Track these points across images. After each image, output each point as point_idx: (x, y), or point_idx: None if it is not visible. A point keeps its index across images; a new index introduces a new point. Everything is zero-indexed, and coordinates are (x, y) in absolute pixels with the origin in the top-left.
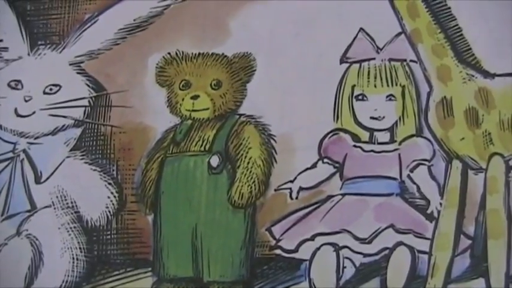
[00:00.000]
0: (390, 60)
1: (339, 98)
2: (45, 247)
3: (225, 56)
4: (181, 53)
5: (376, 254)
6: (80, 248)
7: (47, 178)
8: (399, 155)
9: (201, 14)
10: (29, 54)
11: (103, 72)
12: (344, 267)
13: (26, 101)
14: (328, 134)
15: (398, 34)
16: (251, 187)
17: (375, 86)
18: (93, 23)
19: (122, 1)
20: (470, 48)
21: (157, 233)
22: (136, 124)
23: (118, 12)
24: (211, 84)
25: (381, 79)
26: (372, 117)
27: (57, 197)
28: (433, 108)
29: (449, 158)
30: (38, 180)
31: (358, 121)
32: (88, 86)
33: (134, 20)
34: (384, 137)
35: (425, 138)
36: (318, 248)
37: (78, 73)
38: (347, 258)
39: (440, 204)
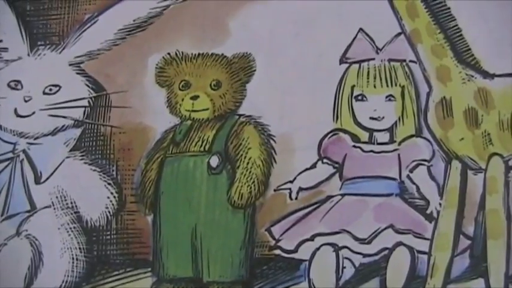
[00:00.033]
0: (390, 60)
1: (338, 99)
2: (45, 247)
3: (225, 56)
4: (181, 54)
5: (375, 254)
6: (79, 248)
7: (47, 178)
8: (399, 155)
9: (201, 14)
10: (28, 55)
11: (103, 73)
12: (343, 268)
13: (25, 101)
14: (327, 134)
15: (398, 34)
16: (251, 187)
17: (375, 87)
18: (93, 24)
19: (121, 1)
20: (469, 49)
21: (157, 233)
22: (136, 124)
23: (118, 12)
24: (210, 85)
25: (381, 79)
26: (371, 118)
27: (56, 197)
28: (432, 109)
29: (448, 158)
30: (37, 181)
31: (357, 121)
32: (88, 86)
33: (134, 20)
34: (384, 137)
35: (424, 138)
36: (318, 248)
37: (77, 73)
38: (346, 258)
39: (440, 204)
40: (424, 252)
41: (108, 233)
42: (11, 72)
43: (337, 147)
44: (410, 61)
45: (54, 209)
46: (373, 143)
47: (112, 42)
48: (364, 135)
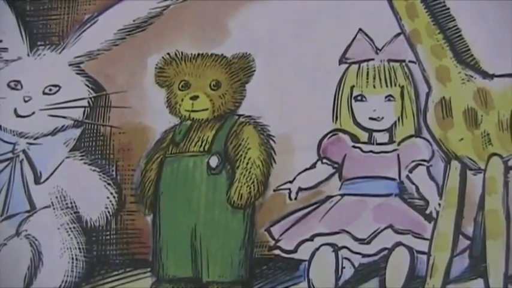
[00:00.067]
0: (389, 60)
1: (338, 99)
2: (45, 247)
3: (224, 56)
4: (180, 54)
5: (375, 255)
6: (79, 248)
7: (47, 178)
8: (398, 155)
9: (201, 15)
10: (28, 55)
11: (102, 73)
12: (343, 268)
13: (25, 101)
14: (327, 134)
15: (398, 35)
16: (250, 187)
17: (374, 87)
18: (93, 24)
19: (121, 2)
20: (469, 49)
21: (157, 233)
22: (135, 124)
23: (117, 12)
24: (210, 85)
25: (380, 80)
26: (370, 118)
27: (56, 197)
28: (432, 109)
29: (448, 159)
30: (37, 181)
31: (357, 122)
32: (87, 86)
33: (134, 20)
34: (383, 137)
35: (424, 138)
36: (317, 249)
37: (77, 73)
38: (346, 258)
39: (439, 204)
40: (423, 253)
41: (108, 233)
42: (10, 72)
43: (336, 148)
44: (410, 61)
45: (54, 209)
46: (373, 143)
47: (112, 42)
48: (363, 136)
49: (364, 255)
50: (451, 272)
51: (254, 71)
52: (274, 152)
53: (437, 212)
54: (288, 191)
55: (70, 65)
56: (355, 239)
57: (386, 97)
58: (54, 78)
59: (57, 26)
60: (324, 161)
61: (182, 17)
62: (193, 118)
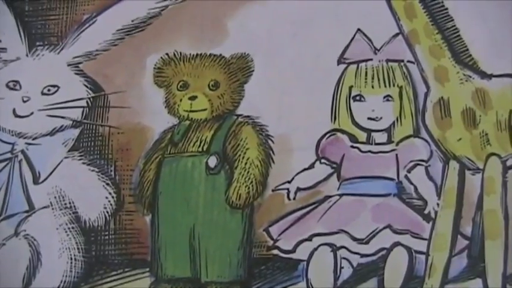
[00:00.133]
0: (387, 61)
1: (336, 99)
2: (43, 247)
3: (223, 56)
4: (179, 54)
5: (373, 255)
6: (78, 249)
7: (45, 179)
8: (396, 155)
9: (199, 15)
10: (27, 55)
11: (101, 73)
12: (341, 268)
13: (24, 101)
14: (325, 134)
15: (396, 35)
16: (249, 188)
17: (373, 87)
18: (92, 24)
19: (120, 2)
20: (467, 49)
21: (155, 233)
22: (134, 125)
23: (116, 13)
24: (209, 85)
25: (379, 80)
26: (369, 118)
27: (55, 197)
28: (430, 109)
29: (446, 159)
30: (36, 181)
31: (355, 122)
32: (86, 86)
33: (132, 20)
34: (381, 137)
35: (422, 138)
36: (316, 249)
37: (76, 74)
38: (344, 258)
39: (438, 204)
40: (422, 253)
41: (107, 233)
42: (9, 72)
43: (335, 148)
44: (408, 61)
45: (53, 209)
46: (371, 143)
47: (110, 42)
48: (362, 136)
49: (362, 255)
50: (449, 272)
51: (253, 71)
52: (273, 152)
53: (436, 212)
54: (286, 191)
55: (69, 65)
56: (354, 239)
57: (384, 97)
58: (53, 79)
59: (56, 26)
60: (323, 161)
61: (181, 17)
62: (191, 118)
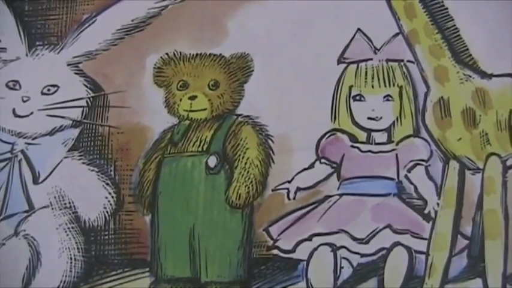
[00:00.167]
0: (387, 60)
1: (336, 99)
2: (43, 247)
3: (223, 56)
4: (179, 54)
5: (373, 254)
6: (77, 248)
7: (45, 178)
8: (396, 155)
9: (199, 15)
10: (27, 55)
11: (101, 73)
12: (341, 268)
13: (24, 101)
14: (325, 134)
15: (396, 35)
16: (249, 187)
17: (372, 87)
18: (91, 24)
19: (119, 2)
20: (467, 49)
21: (155, 233)
22: (134, 124)
23: (116, 12)
24: (208, 85)
25: (378, 79)
26: (369, 118)
27: (55, 197)
28: (430, 109)
29: (446, 159)
30: (35, 181)
31: (355, 121)
32: (86, 86)
33: (132, 20)
34: (381, 137)
35: (422, 138)
36: (316, 248)
37: (76, 74)
38: (344, 258)
39: (438, 204)
40: (422, 252)
41: (106, 233)
42: (9, 72)
43: (335, 147)
44: (408, 61)
45: (52, 209)
46: (371, 143)
47: (110, 42)
48: (362, 135)
49: (362, 255)
50: (449, 271)
51: (252, 71)
52: (273, 151)
53: (436, 212)
54: (286, 190)
55: (68, 65)
56: (354, 238)
57: (384, 97)
58: (53, 78)
59: (56, 26)
60: (323, 160)
61: (180, 17)
62: (191, 118)
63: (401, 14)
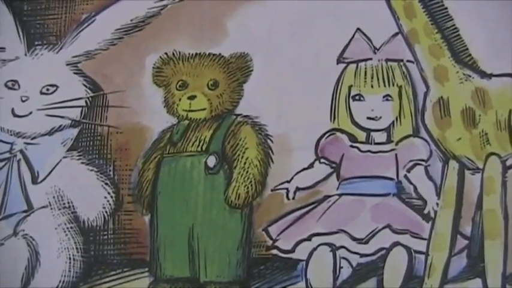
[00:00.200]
0: (387, 60)
1: (335, 98)
2: (42, 247)
3: (222, 56)
4: (178, 53)
5: (372, 254)
6: (76, 248)
7: (44, 178)
8: (396, 155)
9: (198, 14)
10: (26, 55)
11: (100, 73)
12: (341, 268)
13: (22, 101)
14: (324, 134)
15: (395, 34)
16: (248, 187)
17: (372, 86)
18: (90, 23)
19: (119, 1)
20: (467, 49)
21: (154, 233)
22: (133, 124)
23: (115, 12)
24: (208, 85)
25: (378, 79)
26: (368, 118)
27: (53, 197)
28: (429, 109)
29: (446, 158)
30: (34, 181)
31: (355, 121)
32: (85, 86)
33: (131, 20)
34: (381, 137)
35: (422, 138)
36: (315, 248)
37: (75, 73)
38: (344, 258)
39: (437, 204)
40: (421, 252)
41: (105, 233)
42: (8, 72)
43: (334, 147)
44: (408, 61)
45: (51, 209)
46: (371, 143)
47: (109, 42)
48: (361, 135)
49: (362, 255)
50: (449, 271)
51: (252, 70)
52: (272, 151)
53: (435, 212)
54: (285, 190)
55: (67, 64)
56: (353, 238)
57: (384, 97)
58: (52, 78)
59: (55, 25)
60: (322, 160)
61: (180, 16)
62: (190, 118)
63: (400, 14)
